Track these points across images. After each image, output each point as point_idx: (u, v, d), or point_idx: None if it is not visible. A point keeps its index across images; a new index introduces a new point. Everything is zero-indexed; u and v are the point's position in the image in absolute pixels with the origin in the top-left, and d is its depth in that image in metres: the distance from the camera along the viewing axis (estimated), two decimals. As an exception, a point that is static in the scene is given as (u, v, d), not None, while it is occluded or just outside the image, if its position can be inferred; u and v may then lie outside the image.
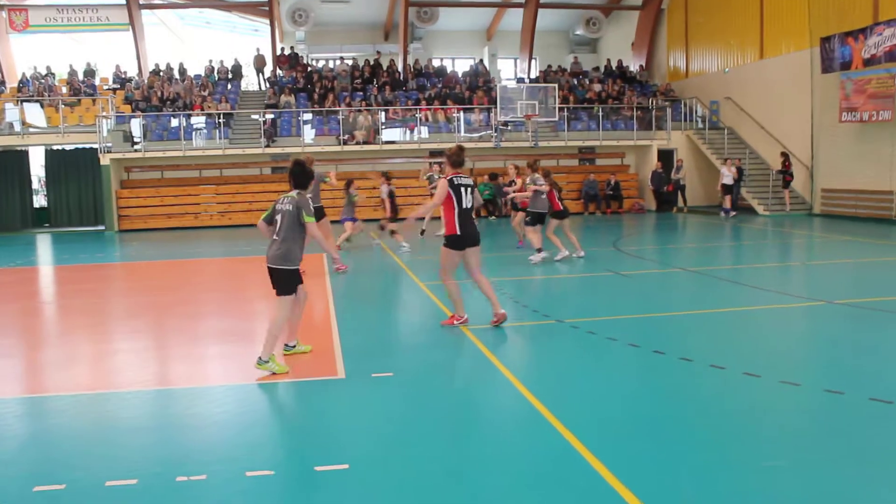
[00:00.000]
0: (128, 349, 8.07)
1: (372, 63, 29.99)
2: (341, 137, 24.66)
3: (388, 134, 25.54)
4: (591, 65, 33.16)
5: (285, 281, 6.88)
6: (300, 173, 7.05)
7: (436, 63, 32.18)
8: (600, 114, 26.74)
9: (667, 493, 4.22)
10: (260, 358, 6.67)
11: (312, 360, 7.20)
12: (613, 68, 31.54)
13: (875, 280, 11.47)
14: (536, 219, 13.41)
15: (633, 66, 32.08)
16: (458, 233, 8.09)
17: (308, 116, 25.79)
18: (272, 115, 25.28)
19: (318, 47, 33.00)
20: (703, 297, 10.24)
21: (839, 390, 5.86)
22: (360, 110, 25.47)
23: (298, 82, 27.86)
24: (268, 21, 29.92)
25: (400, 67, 30.14)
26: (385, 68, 29.80)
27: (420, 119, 25.80)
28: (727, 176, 22.62)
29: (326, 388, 6.35)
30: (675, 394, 6.08)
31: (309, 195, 7.17)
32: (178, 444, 5.13)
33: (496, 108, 24.91)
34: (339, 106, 25.87)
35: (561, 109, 25.95)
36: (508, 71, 34.54)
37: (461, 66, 32.86)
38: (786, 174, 22.66)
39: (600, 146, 26.99)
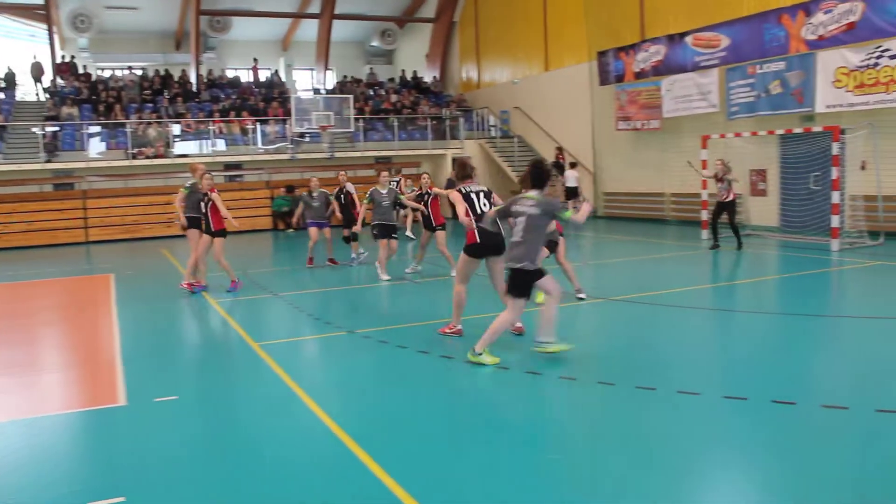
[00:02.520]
0: None
1: (162, 73, 28.99)
2: (130, 151, 23.62)
3: (181, 147, 24.72)
4: (388, 76, 33.85)
5: (524, 282, 7.01)
6: (537, 174, 7.13)
7: (230, 73, 31.62)
8: (395, 124, 27.41)
9: (448, 492, 4.48)
10: (473, 349, 7.11)
11: (92, 388, 7.00)
12: (409, 79, 32.36)
13: (649, 276, 12.65)
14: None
15: (428, 77, 33.10)
16: (479, 241, 8.01)
17: (94, 129, 24.49)
18: (53, 128, 23.79)
19: (103, 56, 31.38)
20: (492, 300, 10.74)
21: (611, 381, 6.46)
22: (149, 123, 24.54)
23: (82, 93, 26.40)
24: (45, 26, 28.16)
25: (192, 78, 29.33)
26: (177, 79, 28.91)
27: (214, 131, 25.23)
28: (571, 179, 22.96)
29: (105, 417, 6.23)
30: (461, 397, 6.44)
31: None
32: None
33: (291, 119, 24.84)
34: (127, 118, 24.80)
35: (357, 120, 26.33)
36: (305, 82, 34.50)
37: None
38: (558, 166, 23.77)
39: (396, 155, 27.60)
